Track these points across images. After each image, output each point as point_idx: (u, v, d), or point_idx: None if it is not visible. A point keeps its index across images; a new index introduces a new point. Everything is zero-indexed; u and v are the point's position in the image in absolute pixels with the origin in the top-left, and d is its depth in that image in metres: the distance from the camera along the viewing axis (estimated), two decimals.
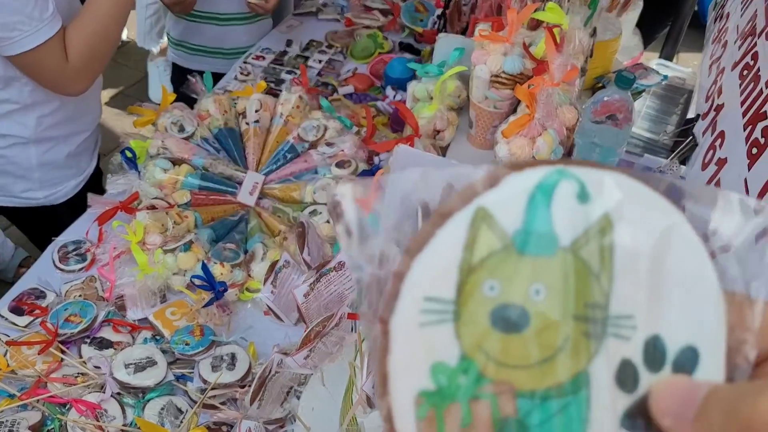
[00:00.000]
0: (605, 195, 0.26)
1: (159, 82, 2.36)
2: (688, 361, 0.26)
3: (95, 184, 1.61)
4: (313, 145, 1.50)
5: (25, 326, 1.13)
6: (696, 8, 2.17)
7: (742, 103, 0.91)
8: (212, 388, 1.01)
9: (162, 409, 1.00)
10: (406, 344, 0.26)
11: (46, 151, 1.47)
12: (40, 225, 1.53)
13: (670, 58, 2.07)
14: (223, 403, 1.01)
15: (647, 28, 2.09)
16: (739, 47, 1.01)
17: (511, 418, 0.25)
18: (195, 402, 1.01)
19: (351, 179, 0.28)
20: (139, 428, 0.95)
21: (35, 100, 1.38)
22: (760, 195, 0.75)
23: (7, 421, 0.97)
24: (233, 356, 1.07)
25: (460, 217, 0.26)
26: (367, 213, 0.27)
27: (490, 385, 0.25)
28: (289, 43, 1.97)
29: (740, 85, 0.94)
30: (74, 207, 1.49)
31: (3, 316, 1.14)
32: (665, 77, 1.55)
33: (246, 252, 1.26)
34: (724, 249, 0.27)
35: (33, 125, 1.41)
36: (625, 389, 0.25)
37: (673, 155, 1.07)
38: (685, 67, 1.87)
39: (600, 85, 1.51)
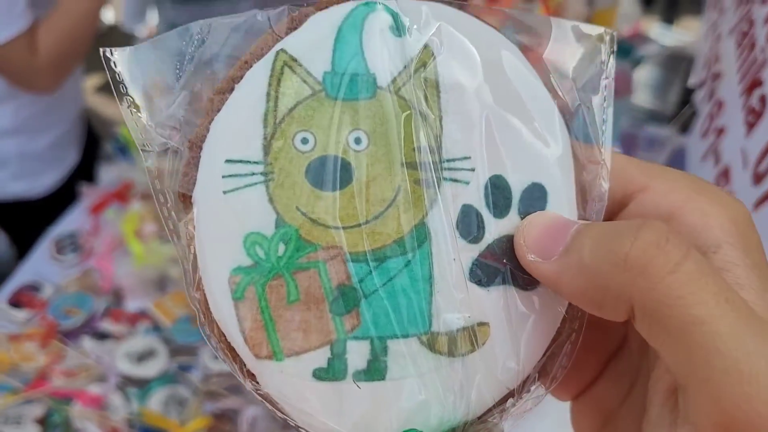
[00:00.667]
0: (423, 25, 0.23)
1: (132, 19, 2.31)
2: (535, 201, 0.23)
3: (81, 176, 1.54)
4: None
5: (25, 320, 1.13)
6: None
7: (738, 70, 0.89)
8: (215, 376, 1.00)
9: (166, 399, 1.00)
10: (212, 217, 0.23)
11: (26, 142, 1.41)
12: (19, 221, 1.48)
13: (670, 21, 2.03)
14: (226, 391, 1.01)
15: None
16: (734, 12, 0.99)
17: (346, 286, 0.22)
18: (198, 391, 1.01)
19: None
20: (143, 418, 0.95)
21: (12, 92, 1.34)
22: (757, 163, 0.74)
23: (12, 415, 0.97)
24: None
25: (259, 65, 0.23)
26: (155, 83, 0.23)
27: (316, 251, 0.22)
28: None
29: (736, 52, 0.92)
30: (58, 201, 1.44)
31: (2, 311, 1.14)
32: (665, 46, 1.52)
33: None
34: (561, 80, 0.24)
35: (11, 116, 1.37)
36: (470, 239, 0.23)
37: (671, 123, 1.05)
38: (686, 32, 1.84)
39: None
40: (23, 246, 1.33)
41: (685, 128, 1.08)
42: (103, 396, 0.99)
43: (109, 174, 1.32)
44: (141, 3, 2.93)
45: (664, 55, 1.69)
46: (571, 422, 0.27)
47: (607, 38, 0.24)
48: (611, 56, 0.24)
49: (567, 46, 0.24)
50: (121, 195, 1.26)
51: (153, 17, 2.30)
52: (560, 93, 0.24)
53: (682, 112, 1.08)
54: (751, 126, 0.80)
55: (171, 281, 1.18)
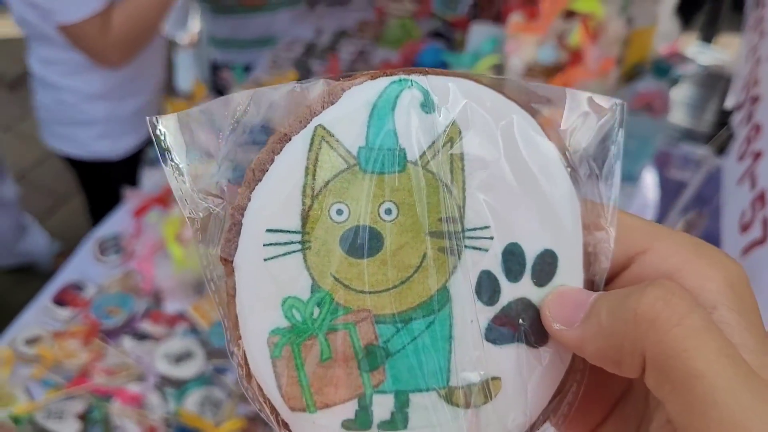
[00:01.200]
0: (451, 102, 0.25)
1: (187, 73, 2.39)
2: (547, 266, 0.25)
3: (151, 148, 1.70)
4: None
5: (68, 318, 1.17)
6: None
7: None
8: None
9: (201, 400, 1.03)
10: (252, 282, 0.25)
11: (113, 107, 1.55)
12: (98, 177, 1.64)
13: (708, 41, 2.02)
14: None
15: (685, 10, 2.04)
16: None
17: (373, 345, 0.24)
18: (233, 394, 1.04)
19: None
20: (180, 418, 0.98)
21: None
22: None
23: (54, 410, 1.00)
24: None
25: (298, 139, 0.24)
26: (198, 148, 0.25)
27: (348, 314, 0.24)
28: (318, 33, 1.97)
29: None
30: (130, 165, 1.58)
31: (47, 308, 1.18)
32: (703, 66, 1.52)
33: None
34: (575, 150, 0.26)
35: (99, 83, 1.50)
36: (488, 302, 0.25)
37: (708, 144, 1.05)
38: (725, 50, 1.83)
39: (637, 73, 1.49)
40: (98, 204, 1.43)
41: (721, 150, 1.08)
42: (141, 395, 1.03)
43: (151, 179, 1.36)
44: (183, 12, 3.00)
45: (702, 74, 1.68)
46: None
47: (617, 109, 0.26)
48: (620, 128, 0.26)
49: (581, 116, 0.26)
50: (163, 199, 1.30)
51: (194, 25, 2.35)
52: (572, 161, 0.26)
53: (719, 134, 1.08)
54: None
55: None
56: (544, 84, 0.26)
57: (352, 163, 0.24)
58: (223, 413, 1.00)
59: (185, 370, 1.05)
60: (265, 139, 0.25)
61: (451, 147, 0.24)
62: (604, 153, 0.26)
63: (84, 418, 1.01)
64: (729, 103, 1.21)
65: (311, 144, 0.24)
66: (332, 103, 0.24)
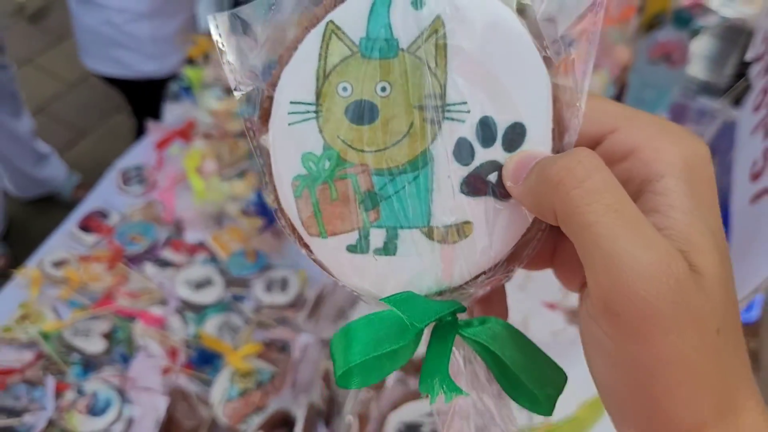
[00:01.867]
0: (436, 0, 0.30)
1: (208, 11, 2.39)
2: (517, 136, 0.30)
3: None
4: None
5: (93, 244, 1.21)
6: None
7: None
8: (266, 308, 1.08)
9: (220, 325, 1.08)
10: (280, 140, 0.31)
11: (158, 26, 1.64)
12: (145, 95, 1.72)
13: None
14: (275, 322, 1.08)
15: None
16: None
17: (369, 191, 0.31)
18: (250, 320, 1.09)
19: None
20: (200, 340, 1.03)
21: None
22: None
23: (81, 328, 1.06)
24: (285, 280, 1.13)
25: (315, 32, 0.30)
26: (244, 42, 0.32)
27: (350, 167, 0.31)
28: None
29: None
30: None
31: (73, 234, 1.23)
32: (724, 18, 1.51)
33: None
34: (553, 38, 0.30)
35: (146, 1, 1.58)
36: (462, 162, 0.31)
37: (724, 96, 1.06)
38: (749, 3, 1.80)
39: (658, 22, 1.48)
40: (144, 117, 1.48)
41: (737, 101, 1.09)
42: (163, 317, 1.08)
43: (173, 112, 1.39)
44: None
45: (723, 26, 1.67)
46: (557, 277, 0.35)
47: (599, 2, 0.29)
48: (597, 18, 0.29)
49: (557, 6, 0.30)
50: (185, 133, 1.32)
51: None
52: (549, 50, 0.30)
53: (736, 85, 1.09)
54: None
55: (228, 217, 1.25)
56: None
57: (355, 50, 0.30)
58: (241, 338, 1.05)
59: (205, 296, 1.10)
60: (291, 32, 0.31)
61: (436, 36, 0.29)
62: (579, 39, 0.30)
63: (109, 337, 1.06)
64: (749, 56, 1.21)
65: (323, 35, 0.30)
66: (342, 2, 0.30)
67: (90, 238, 1.22)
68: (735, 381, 0.27)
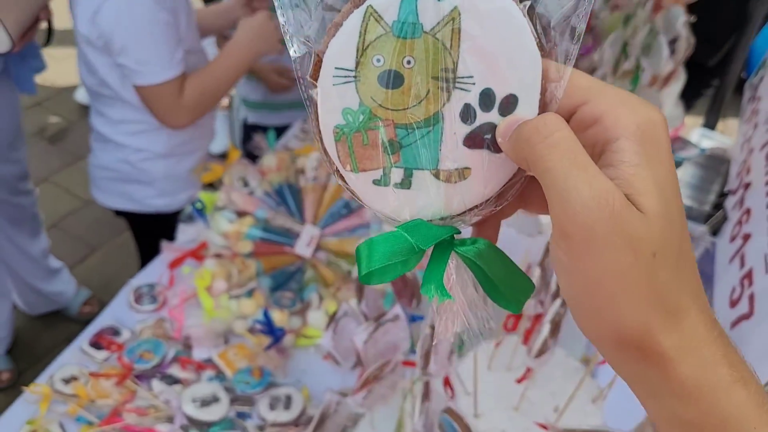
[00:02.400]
0: None
1: (221, 136, 2.55)
2: (510, 104, 0.38)
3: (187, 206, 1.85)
4: None
5: (103, 360, 1.25)
6: (744, 75, 2.23)
7: (766, 183, 0.98)
8: (270, 426, 1.10)
9: None
10: (326, 97, 0.39)
11: (172, 165, 1.73)
12: (152, 229, 1.78)
13: (712, 127, 2.13)
14: None
15: (690, 93, 2.15)
16: (766, 130, 1.09)
17: (392, 140, 0.40)
18: None
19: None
20: None
21: None
22: None
23: None
24: (289, 397, 1.16)
25: (357, 12, 0.38)
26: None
27: (379, 121, 0.39)
28: None
29: (765, 167, 1.02)
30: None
31: (84, 350, 1.27)
32: (703, 150, 1.62)
33: (302, 300, 1.36)
34: (545, 25, 0.38)
35: (164, 142, 1.69)
36: (466, 122, 0.39)
37: (704, 226, 1.14)
38: (727, 135, 1.93)
39: None
40: (149, 252, 1.55)
41: (715, 232, 1.17)
42: None
43: (186, 233, 1.46)
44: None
45: (705, 155, 1.78)
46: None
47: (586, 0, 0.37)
48: (584, 16, 0.37)
49: (555, 3, 0.37)
50: (197, 253, 1.39)
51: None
52: (543, 38, 0.38)
53: (715, 216, 1.17)
54: None
55: (235, 335, 1.30)
56: None
57: (388, 30, 0.38)
58: None
59: (210, 414, 1.13)
60: (339, 7, 0.40)
61: (452, 23, 0.37)
62: (568, 28, 0.38)
63: None
64: (728, 187, 1.31)
65: (363, 16, 0.38)
66: None
67: (100, 355, 1.26)
68: (676, 295, 0.33)
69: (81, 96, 3.41)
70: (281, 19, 0.39)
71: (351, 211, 1.61)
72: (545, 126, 0.35)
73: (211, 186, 1.85)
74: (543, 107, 0.38)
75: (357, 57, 0.38)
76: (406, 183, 0.40)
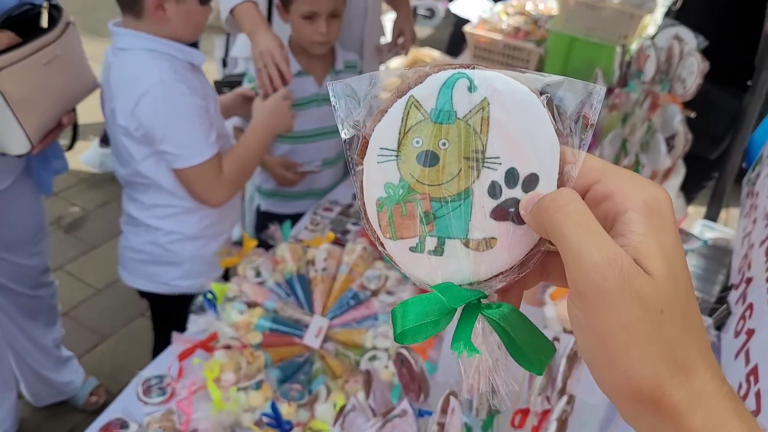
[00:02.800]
0: (484, 87, 0.42)
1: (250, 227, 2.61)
2: (531, 182, 0.43)
3: (224, 279, 1.91)
4: (375, 293, 1.64)
5: None
6: (744, 165, 2.28)
7: (767, 280, 1.00)
8: None
9: None
10: (371, 173, 0.44)
11: (200, 247, 1.81)
12: (173, 311, 1.83)
13: (714, 218, 2.16)
14: None
15: (692, 185, 2.20)
16: (765, 226, 1.12)
17: (428, 212, 0.44)
18: None
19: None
20: None
21: (199, 204, 1.74)
22: None
23: None
24: None
25: (401, 101, 0.43)
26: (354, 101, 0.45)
27: (416, 194, 0.44)
28: (355, 196, 2.17)
29: (765, 263, 1.04)
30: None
31: None
32: (705, 242, 1.65)
33: (310, 392, 1.36)
34: (562, 115, 0.43)
35: (195, 224, 1.78)
36: (493, 197, 0.43)
37: (709, 319, 1.15)
38: (734, 222, 1.95)
39: None
40: (165, 333, 1.56)
41: (720, 326, 1.18)
42: None
43: (197, 324, 1.48)
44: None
45: (709, 246, 1.80)
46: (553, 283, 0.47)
47: (596, 92, 0.42)
48: (596, 106, 0.42)
49: (572, 94, 0.43)
50: (207, 344, 1.41)
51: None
52: (560, 125, 0.43)
53: (719, 310, 1.19)
54: None
55: (242, 427, 1.29)
56: (548, 74, 0.44)
57: (426, 117, 0.43)
58: None
59: None
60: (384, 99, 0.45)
61: (482, 112, 0.43)
62: (583, 118, 0.43)
63: None
64: (732, 279, 1.32)
65: (406, 104, 0.43)
66: (421, 82, 0.43)
67: None
68: (684, 351, 0.37)
69: (86, 158, 3.57)
70: (334, 105, 0.44)
71: (359, 301, 1.63)
72: (561, 197, 0.40)
73: (227, 274, 1.89)
74: (560, 185, 0.43)
75: (399, 139, 0.44)
76: (439, 250, 0.45)
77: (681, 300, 0.37)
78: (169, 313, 1.85)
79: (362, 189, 0.45)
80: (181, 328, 1.54)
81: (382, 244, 0.46)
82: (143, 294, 1.90)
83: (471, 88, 0.43)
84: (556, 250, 0.42)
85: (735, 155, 2.11)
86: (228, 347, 1.43)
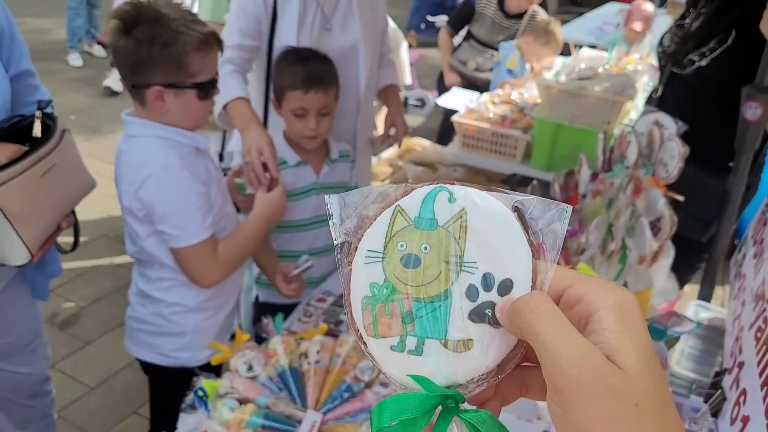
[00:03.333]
0: (462, 199, 0.46)
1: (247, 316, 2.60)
2: (506, 287, 0.45)
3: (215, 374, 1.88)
4: (368, 385, 1.61)
5: None
6: (737, 242, 2.29)
7: (758, 364, 1.00)
8: None
9: None
10: (358, 274, 0.47)
11: (203, 320, 1.87)
12: (173, 384, 1.85)
13: (708, 299, 2.16)
14: None
15: (684, 267, 2.20)
16: (753, 308, 1.12)
17: (409, 311, 0.46)
18: None
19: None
20: None
21: None
22: None
23: None
24: None
25: (388, 210, 0.47)
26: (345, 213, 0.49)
27: (399, 294, 0.46)
28: None
29: (756, 347, 1.04)
30: (208, 368, 1.77)
31: None
32: (699, 325, 1.64)
33: None
34: (534, 230, 0.46)
35: (195, 296, 1.85)
36: (471, 299, 0.46)
37: (703, 409, 1.13)
38: (723, 307, 1.95)
39: None
40: (162, 409, 1.64)
41: (715, 413, 1.16)
42: None
43: (187, 423, 1.45)
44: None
45: (705, 326, 1.79)
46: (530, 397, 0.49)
47: (565, 211, 0.46)
48: (563, 223, 0.46)
49: (541, 212, 0.46)
50: None
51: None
52: (532, 236, 0.46)
53: (714, 397, 1.17)
54: None
55: None
56: (521, 193, 0.47)
57: (410, 223, 0.47)
58: None
59: None
60: (373, 209, 0.49)
61: (461, 220, 0.46)
62: (551, 233, 0.47)
63: None
64: (725, 364, 1.31)
65: (392, 213, 0.47)
66: (407, 194, 0.48)
67: None
68: None
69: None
70: (330, 214, 0.48)
71: (353, 394, 1.60)
72: (533, 300, 0.43)
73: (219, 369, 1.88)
74: (533, 289, 0.46)
75: (385, 242, 0.47)
76: (419, 350, 0.46)
77: (657, 395, 0.39)
78: (168, 389, 1.87)
79: (349, 289, 0.48)
80: (179, 404, 1.53)
81: (365, 343, 0.48)
82: (145, 367, 1.95)
83: (450, 200, 0.47)
84: (535, 365, 0.45)
85: (722, 236, 2.13)
86: None
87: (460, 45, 4.61)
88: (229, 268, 1.84)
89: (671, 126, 1.92)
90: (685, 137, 1.78)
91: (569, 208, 0.47)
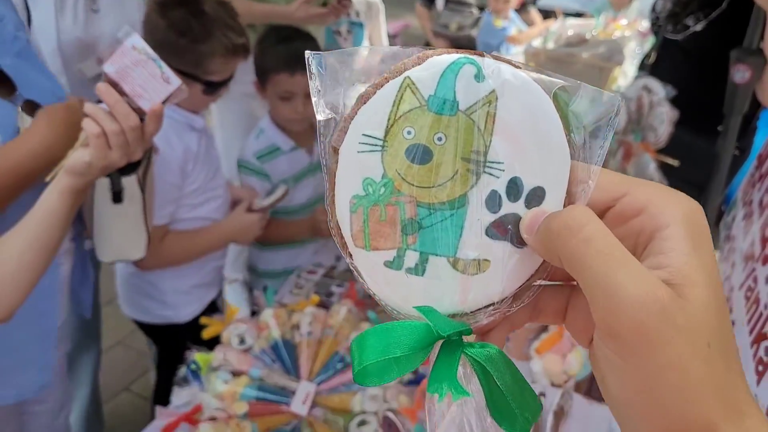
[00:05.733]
0: (494, 78, 0.36)
1: (233, 301, 2.59)
2: (536, 197, 0.37)
3: (211, 311, 1.98)
4: None
5: None
6: (724, 208, 2.30)
7: (747, 322, 1.00)
8: None
9: None
10: (347, 164, 0.37)
11: (177, 280, 1.90)
12: (168, 338, 1.99)
13: None
14: None
15: None
16: (743, 269, 1.13)
17: (412, 219, 0.37)
18: None
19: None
20: None
21: None
22: None
23: None
24: None
25: (394, 82, 0.36)
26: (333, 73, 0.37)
27: (401, 196, 0.36)
28: (338, 257, 2.16)
29: (745, 305, 1.04)
30: (192, 328, 1.81)
31: None
32: None
33: None
34: (577, 125, 0.37)
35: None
36: (491, 210, 0.37)
37: None
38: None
39: None
40: (167, 361, 1.74)
41: None
42: None
43: (180, 397, 1.45)
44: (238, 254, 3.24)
45: None
46: (566, 328, 0.40)
47: (616, 105, 0.37)
48: (615, 116, 0.37)
49: (588, 103, 0.37)
50: (191, 417, 1.37)
51: None
52: (573, 134, 0.37)
53: None
54: (761, 375, 0.90)
55: None
56: (564, 76, 0.37)
57: (423, 104, 0.36)
58: None
59: None
60: (374, 77, 0.37)
61: (489, 106, 0.36)
62: (597, 134, 0.37)
63: None
64: None
65: (400, 87, 0.36)
66: (419, 64, 0.36)
67: None
68: (734, 389, 0.32)
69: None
70: (310, 77, 0.37)
71: (347, 365, 1.60)
72: (574, 220, 0.34)
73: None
74: (566, 204, 0.37)
75: (387, 126, 0.36)
76: (419, 269, 0.37)
77: (725, 330, 0.33)
78: (169, 343, 1.97)
79: (334, 184, 0.37)
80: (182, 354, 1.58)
81: (350, 255, 0.38)
82: (140, 326, 2.02)
83: (478, 77, 0.36)
84: (550, 283, 0.38)
85: (712, 199, 2.14)
86: (213, 419, 1.40)
87: (442, 11, 4.64)
88: (168, 263, 1.82)
89: (660, 91, 1.91)
90: (679, 103, 1.77)
91: (621, 99, 0.37)
